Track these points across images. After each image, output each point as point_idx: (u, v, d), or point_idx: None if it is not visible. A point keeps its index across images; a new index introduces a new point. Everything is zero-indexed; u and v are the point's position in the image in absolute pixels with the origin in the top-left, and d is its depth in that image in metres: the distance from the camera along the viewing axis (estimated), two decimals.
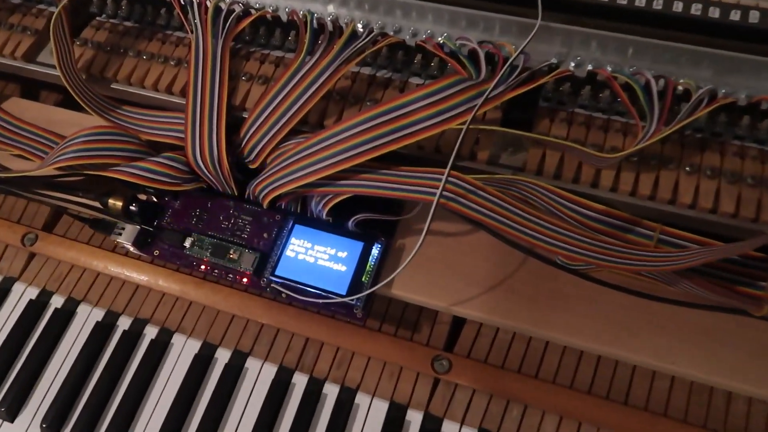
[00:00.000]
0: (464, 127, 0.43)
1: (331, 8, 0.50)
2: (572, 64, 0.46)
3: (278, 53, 0.53)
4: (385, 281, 0.45)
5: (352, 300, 0.46)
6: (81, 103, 0.52)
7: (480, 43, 0.46)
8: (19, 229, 0.58)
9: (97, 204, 0.52)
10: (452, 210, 0.44)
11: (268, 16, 0.51)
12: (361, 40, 0.48)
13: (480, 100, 0.43)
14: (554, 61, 0.46)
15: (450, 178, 0.43)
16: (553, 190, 0.44)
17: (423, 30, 0.48)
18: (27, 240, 0.58)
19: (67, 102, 0.57)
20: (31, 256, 0.58)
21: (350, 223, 0.48)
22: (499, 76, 0.44)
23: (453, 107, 0.43)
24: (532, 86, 0.44)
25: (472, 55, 0.46)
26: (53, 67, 0.52)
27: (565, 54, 0.47)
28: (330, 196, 0.46)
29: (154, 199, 0.53)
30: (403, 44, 0.49)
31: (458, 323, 0.51)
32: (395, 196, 0.44)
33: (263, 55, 0.53)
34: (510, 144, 0.48)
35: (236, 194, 0.51)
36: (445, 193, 0.43)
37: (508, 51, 0.45)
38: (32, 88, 0.63)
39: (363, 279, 0.47)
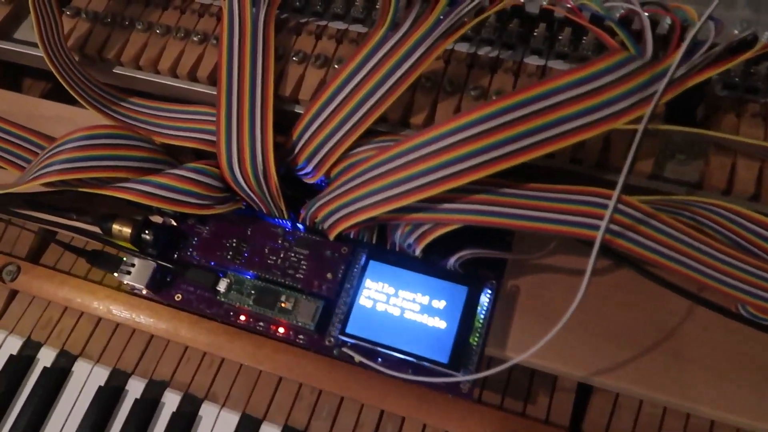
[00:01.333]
0: (635, 127, 0.29)
1: None
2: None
3: (340, 24, 0.39)
4: (507, 350, 0.32)
5: (459, 372, 0.33)
6: (73, 93, 0.38)
7: (643, 4, 0.32)
8: None
9: (96, 230, 0.39)
10: (614, 246, 0.30)
11: None
12: (464, 5, 0.34)
13: (659, 87, 0.29)
14: (750, 31, 0.32)
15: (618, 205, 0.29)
16: (749, 215, 0.31)
17: None
18: (6, 273, 0.44)
19: (57, 92, 0.43)
20: (12, 294, 0.45)
21: (452, 261, 0.34)
22: (683, 51, 0.30)
23: (619, 99, 0.29)
24: (726, 66, 0.31)
25: (625, 23, 0.32)
26: (36, 45, 0.39)
27: (754, 21, 0.34)
28: (428, 227, 0.32)
29: (174, 223, 0.39)
30: (521, 8, 0.35)
31: (584, 390, 0.38)
32: (530, 228, 0.31)
33: (319, 27, 0.39)
34: (679, 148, 0.34)
35: (287, 217, 0.38)
36: (611, 226, 0.29)
37: (688, 15, 0.31)
38: (12, 74, 0.49)
39: (471, 340, 0.34)
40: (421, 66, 0.33)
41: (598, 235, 0.28)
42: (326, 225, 0.35)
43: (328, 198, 0.34)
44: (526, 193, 0.31)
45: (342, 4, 0.39)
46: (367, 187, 0.33)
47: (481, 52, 0.37)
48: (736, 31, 0.34)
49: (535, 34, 0.36)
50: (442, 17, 0.33)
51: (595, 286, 0.34)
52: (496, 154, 0.30)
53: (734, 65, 0.31)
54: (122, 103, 0.40)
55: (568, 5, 0.33)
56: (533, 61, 0.36)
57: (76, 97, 0.39)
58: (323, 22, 0.39)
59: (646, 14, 0.32)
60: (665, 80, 0.29)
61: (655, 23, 0.32)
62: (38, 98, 0.45)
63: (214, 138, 0.36)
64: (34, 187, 0.37)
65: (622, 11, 0.32)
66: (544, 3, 0.35)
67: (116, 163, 0.36)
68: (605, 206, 0.29)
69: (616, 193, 0.28)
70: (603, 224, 0.28)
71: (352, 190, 0.33)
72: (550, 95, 0.30)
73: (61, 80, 0.38)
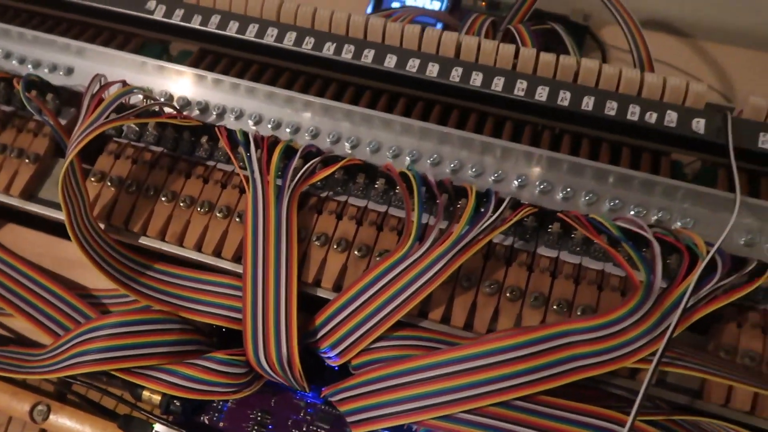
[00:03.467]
0: (646, 367, 0.31)
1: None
2: None
3: (360, 201, 0.40)
4: None
5: None
6: (95, 267, 0.39)
7: (652, 227, 0.34)
8: (26, 396, 0.46)
9: (125, 394, 0.41)
10: None
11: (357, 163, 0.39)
12: (486, 219, 0.35)
13: (672, 320, 0.31)
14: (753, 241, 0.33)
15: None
16: None
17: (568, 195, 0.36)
18: (37, 413, 0.46)
19: None
20: None
21: None
22: (692, 283, 0.31)
23: (634, 340, 0.31)
24: (736, 296, 0.32)
25: (634, 240, 0.34)
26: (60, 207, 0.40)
27: (757, 230, 0.35)
28: None
29: None
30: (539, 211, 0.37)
31: None
32: None
33: (339, 205, 0.40)
34: None
35: (308, 391, 0.40)
36: None
37: (696, 245, 0.33)
38: None
39: None
40: (441, 277, 0.35)
41: None
42: (352, 419, 0.37)
43: (354, 393, 0.36)
44: (542, 410, 0.33)
45: (363, 184, 0.40)
46: (389, 395, 0.35)
47: (496, 240, 0.38)
48: (741, 242, 0.35)
49: (549, 229, 0.37)
50: (464, 232, 0.35)
51: None
52: (516, 382, 0.32)
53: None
54: (147, 272, 0.41)
55: (577, 217, 0.35)
56: (546, 252, 0.38)
57: (98, 270, 0.40)
58: (343, 197, 0.41)
59: (656, 241, 0.33)
60: (677, 314, 0.31)
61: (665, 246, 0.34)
62: (64, 240, 0.46)
63: (239, 315, 0.38)
64: (62, 373, 0.38)
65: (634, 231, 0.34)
66: (561, 213, 0.36)
67: (150, 351, 0.38)
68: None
69: (630, 421, 0.30)
70: None
71: (375, 395, 0.35)
72: (568, 334, 0.32)
73: (83, 254, 0.39)
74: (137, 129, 0.43)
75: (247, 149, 0.39)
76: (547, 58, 0.42)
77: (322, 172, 0.39)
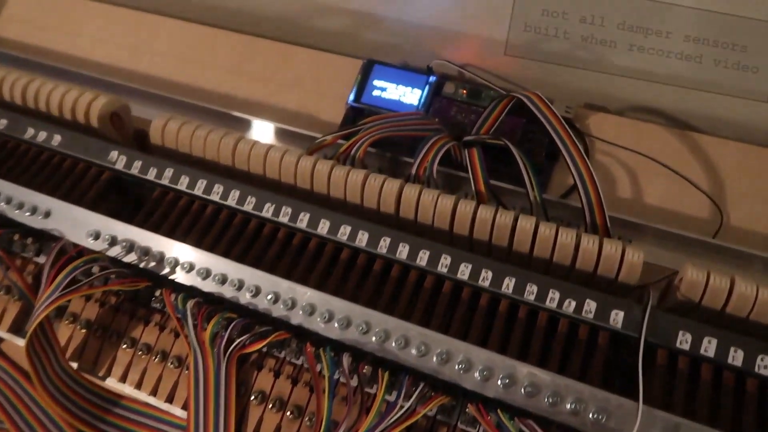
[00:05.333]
0: None
1: None
2: None
3: (297, 360, 0.43)
4: None
5: None
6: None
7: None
8: None
9: None
10: None
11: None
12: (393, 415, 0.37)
13: None
14: None
15: None
16: None
17: None
18: None
19: None
20: None
21: None
22: None
23: None
24: None
25: None
26: None
27: None
28: None
29: None
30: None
31: None
32: None
33: (278, 361, 0.43)
34: None
35: None
36: None
37: None
38: None
39: None
40: None
41: None
42: None
43: None
44: None
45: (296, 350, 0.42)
46: None
47: None
48: None
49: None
50: (371, 426, 0.37)
51: None
52: None
53: None
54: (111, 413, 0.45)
55: (480, 410, 0.36)
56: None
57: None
58: (280, 354, 0.43)
59: None
60: None
61: None
62: None
63: None
64: None
65: None
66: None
67: None
68: None
69: None
70: None
71: None
72: None
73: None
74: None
75: (185, 320, 0.42)
76: (484, 215, 0.42)
77: (253, 346, 0.41)
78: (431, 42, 0.66)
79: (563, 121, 0.47)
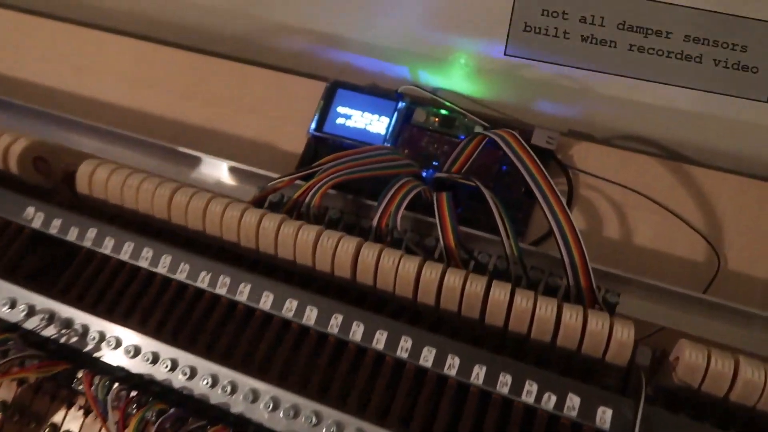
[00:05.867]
0: None
1: None
2: None
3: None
4: None
5: None
6: None
7: None
8: None
9: None
10: None
11: None
12: None
13: None
14: None
15: None
16: None
17: None
18: None
19: None
20: None
21: None
22: None
23: None
24: None
25: None
26: None
27: None
28: None
29: None
30: None
31: None
32: None
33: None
34: None
35: None
36: None
37: None
38: None
39: None
40: None
41: None
42: None
43: None
44: None
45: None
46: None
47: None
48: None
49: None
50: None
51: None
52: None
53: None
54: None
55: None
56: None
57: None
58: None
59: None
60: None
61: None
62: None
63: None
64: None
65: None
66: None
67: None
68: None
69: None
70: None
71: None
72: None
73: None
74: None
75: (106, 415, 0.36)
76: (451, 283, 0.37)
77: None
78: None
79: (541, 166, 0.42)
